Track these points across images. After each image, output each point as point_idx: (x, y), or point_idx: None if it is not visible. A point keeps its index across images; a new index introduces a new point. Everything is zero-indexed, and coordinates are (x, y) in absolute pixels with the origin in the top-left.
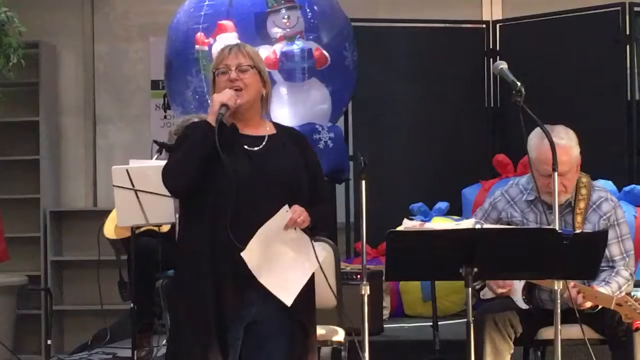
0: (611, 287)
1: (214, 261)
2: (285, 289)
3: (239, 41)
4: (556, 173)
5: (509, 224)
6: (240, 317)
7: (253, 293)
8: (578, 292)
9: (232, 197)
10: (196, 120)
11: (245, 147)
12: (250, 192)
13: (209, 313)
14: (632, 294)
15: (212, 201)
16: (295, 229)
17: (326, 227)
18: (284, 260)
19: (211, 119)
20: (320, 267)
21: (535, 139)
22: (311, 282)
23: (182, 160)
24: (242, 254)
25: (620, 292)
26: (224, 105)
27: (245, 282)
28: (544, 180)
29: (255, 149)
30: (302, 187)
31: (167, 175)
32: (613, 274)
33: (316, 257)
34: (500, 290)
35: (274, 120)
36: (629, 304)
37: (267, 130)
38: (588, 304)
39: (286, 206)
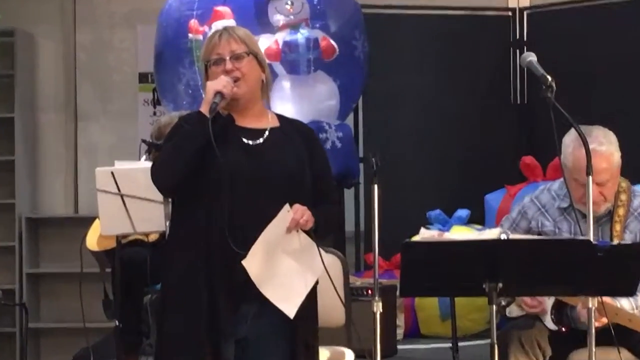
0: (637, 300)
1: (207, 269)
2: (288, 300)
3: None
4: (591, 178)
5: (539, 235)
6: (235, 332)
7: (248, 305)
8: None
9: (227, 197)
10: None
11: (244, 140)
12: (248, 190)
13: (201, 327)
14: None
15: (206, 202)
16: (298, 231)
17: (332, 229)
18: (287, 267)
19: (205, 108)
20: (328, 274)
21: (571, 145)
22: (313, 292)
23: (171, 154)
24: (243, 262)
25: None
26: (218, 93)
27: (240, 292)
28: (582, 190)
29: (255, 142)
30: (306, 186)
31: (156, 171)
32: None
33: (322, 262)
34: (531, 310)
35: None
36: None
37: (270, 122)
38: (598, 324)
39: (287, 205)
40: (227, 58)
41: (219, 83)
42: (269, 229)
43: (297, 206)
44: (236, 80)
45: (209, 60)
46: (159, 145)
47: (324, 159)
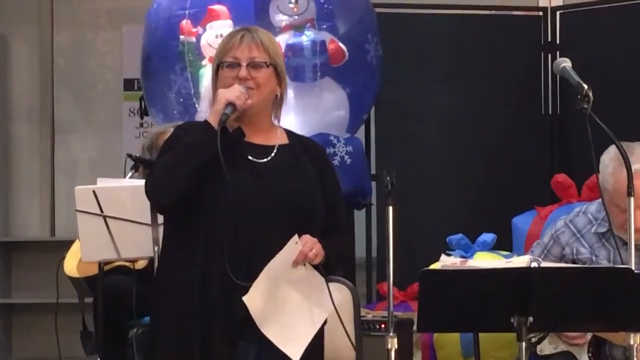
0: None
1: (203, 303)
2: (293, 341)
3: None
4: (632, 199)
5: (574, 262)
6: None
7: (247, 344)
8: None
9: (230, 221)
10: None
11: (250, 158)
12: (252, 216)
13: None
14: None
15: (205, 225)
16: (305, 264)
17: (343, 264)
18: (292, 304)
19: (213, 119)
20: (337, 313)
21: (610, 165)
22: (320, 330)
23: (172, 167)
24: (244, 299)
25: None
26: (230, 104)
27: (239, 330)
28: (624, 216)
29: (262, 161)
30: (315, 213)
31: (152, 185)
32: None
33: (332, 300)
34: (573, 342)
35: None
36: None
37: (278, 139)
38: None
39: (295, 237)
40: (244, 64)
41: (232, 92)
42: (274, 262)
43: (306, 238)
44: (248, 89)
45: (222, 61)
46: (147, 161)
47: (336, 183)
